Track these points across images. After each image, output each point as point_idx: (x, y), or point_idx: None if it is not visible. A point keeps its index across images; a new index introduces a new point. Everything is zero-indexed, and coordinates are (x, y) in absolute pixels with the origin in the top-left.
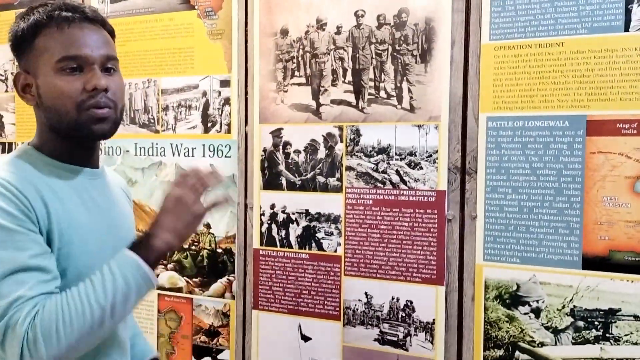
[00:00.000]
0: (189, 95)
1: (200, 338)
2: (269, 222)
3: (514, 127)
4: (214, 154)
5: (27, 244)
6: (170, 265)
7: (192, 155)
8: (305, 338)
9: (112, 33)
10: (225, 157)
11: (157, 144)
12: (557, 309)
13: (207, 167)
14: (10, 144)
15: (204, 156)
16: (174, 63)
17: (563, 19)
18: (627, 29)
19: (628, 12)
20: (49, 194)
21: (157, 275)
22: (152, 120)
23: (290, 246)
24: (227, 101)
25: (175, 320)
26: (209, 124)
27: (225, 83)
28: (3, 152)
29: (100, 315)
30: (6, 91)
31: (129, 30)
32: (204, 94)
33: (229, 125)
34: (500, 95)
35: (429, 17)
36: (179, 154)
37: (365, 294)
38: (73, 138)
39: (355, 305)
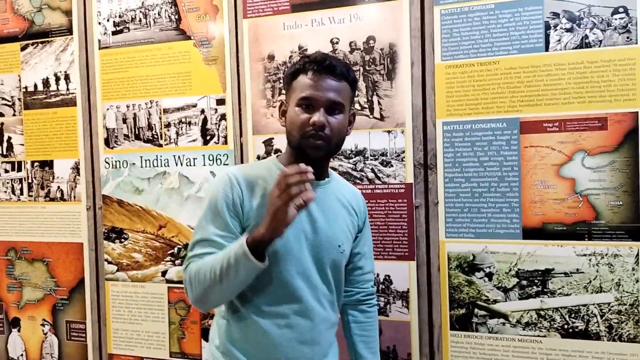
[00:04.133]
0: (188, 113)
1: (208, 322)
2: None
3: (464, 130)
4: (213, 163)
5: (224, 225)
6: (177, 262)
7: (194, 165)
8: None
9: (352, 83)
10: (224, 164)
11: (161, 156)
12: (505, 272)
13: (296, 167)
14: (19, 163)
15: (204, 165)
16: (173, 86)
17: (498, 42)
18: (547, 49)
19: (547, 36)
20: (260, 191)
21: (264, 259)
22: (156, 136)
23: None
24: (223, 117)
25: (184, 308)
26: (208, 137)
27: (220, 101)
28: (13, 170)
29: (210, 282)
30: (14, 115)
31: (131, 58)
32: (202, 111)
33: (225, 137)
34: (452, 104)
35: (392, 42)
36: (181, 164)
37: None
38: (299, 156)
39: None
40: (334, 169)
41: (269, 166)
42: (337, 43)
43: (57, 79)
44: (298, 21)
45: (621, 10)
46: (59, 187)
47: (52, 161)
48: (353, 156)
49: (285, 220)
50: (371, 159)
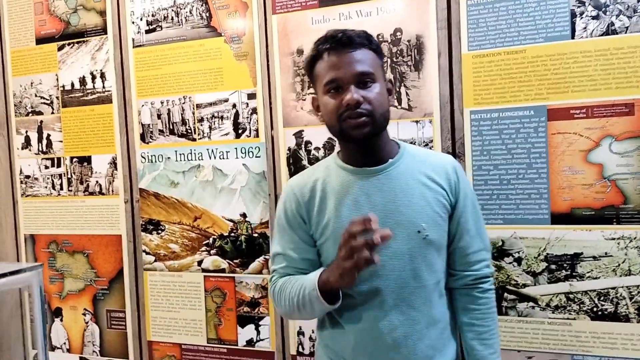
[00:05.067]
0: (220, 107)
1: (243, 309)
2: None
3: (492, 118)
4: (245, 155)
5: (291, 238)
6: (213, 251)
7: (227, 158)
8: None
9: (376, 49)
10: (256, 157)
11: (195, 150)
12: (534, 257)
13: (362, 219)
14: (58, 159)
15: (237, 157)
16: (205, 81)
17: (524, 31)
18: (573, 37)
19: (573, 24)
20: (321, 194)
21: (335, 300)
22: (190, 131)
23: None
24: (254, 111)
25: (220, 296)
26: (240, 131)
27: (251, 96)
28: (52, 166)
29: (291, 309)
30: (52, 113)
31: (164, 55)
32: (234, 105)
33: (257, 130)
34: (479, 93)
35: (419, 34)
36: (215, 157)
37: None
38: (345, 143)
39: None
40: None
41: (328, 164)
42: None
43: (93, 78)
44: (326, 15)
45: None
46: (97, 181)
47: (90, 157)
48: None
49: (353, 279)
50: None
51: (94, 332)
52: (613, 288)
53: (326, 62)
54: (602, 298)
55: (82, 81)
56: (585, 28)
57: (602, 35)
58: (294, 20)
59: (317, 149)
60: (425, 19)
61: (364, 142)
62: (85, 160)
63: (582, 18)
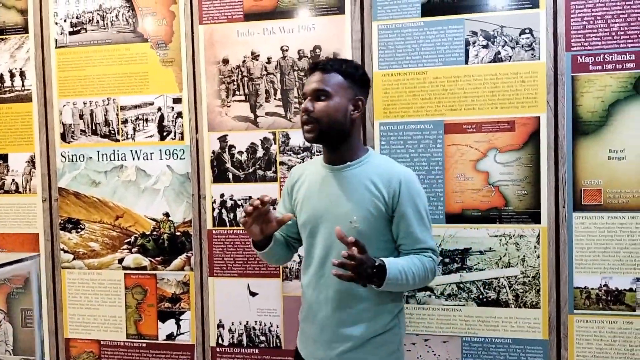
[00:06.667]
0: (145, 110)
1: (164, 305)
2: (219, 208)
3: (398, 130)
4: (170, 157)
5: (282, 203)
6: (134, 249)
7: (151, 159)
8: (253, 294)
9: (348, 74)
10: (180, 159)
11: (118, 150)
12: None
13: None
14: None
15: (161, 159)
16: (130, 84)
17: (426, 55)
18: (466, 63)
19: (467, 51)
20: (303, 178)
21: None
22: (113, 132)
23: (237, 225)
24: (179, 115)
25: (141, 293)
26: (165, 133)
27: (177, 100)
28: None
29: None
30: None
31: (88, 57)
32: (159, 109)
33: (182, 133)
34: (387, 107)
35: (336, 52)
36: (138, 158)
37: (299, 255)
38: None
39: (291, 264)
40: (283, 163)
41: (317, 159)
42: (287, 50)
43: (12, 76)
44: (251, 29)
45: (527, 31)
46: (13, 180)
47: (6, 155)
48: (301, 152)
49: (250, 234)
50: (317, 154)
51: (7, 330)
52: (496, 278)
53: (308, 78)
54: (486, 287)
55: (0, 79)
56: (477, 55)
57: (490, 62)
58: (220, 31)
59: (240, 152)
60: (341, 39)
61: (314, 143)
62: (1, 158)
63: (474, 47)
